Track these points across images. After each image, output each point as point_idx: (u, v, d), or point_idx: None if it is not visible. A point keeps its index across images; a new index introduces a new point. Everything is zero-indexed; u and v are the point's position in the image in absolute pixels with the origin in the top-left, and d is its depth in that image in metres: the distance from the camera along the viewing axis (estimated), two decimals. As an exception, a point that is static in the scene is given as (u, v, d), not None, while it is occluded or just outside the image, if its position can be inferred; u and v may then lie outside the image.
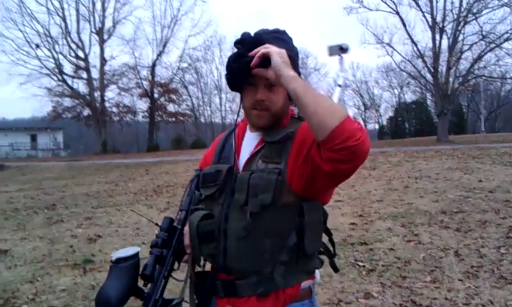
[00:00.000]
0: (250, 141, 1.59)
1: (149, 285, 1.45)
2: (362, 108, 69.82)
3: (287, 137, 1.49)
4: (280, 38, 1.49)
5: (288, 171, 1.45)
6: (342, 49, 2.38)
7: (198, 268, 1.59)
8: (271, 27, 1.57)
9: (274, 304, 1.47)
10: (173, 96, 52.16)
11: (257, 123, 1.55)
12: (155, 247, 1.48)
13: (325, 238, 1.66)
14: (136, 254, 1.44)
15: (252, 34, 1.51)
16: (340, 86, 2.48)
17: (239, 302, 1.49)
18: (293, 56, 1.46)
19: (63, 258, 5.91)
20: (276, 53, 1.37)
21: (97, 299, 1.37)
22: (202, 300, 1.57)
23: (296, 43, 1.56)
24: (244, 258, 1.46)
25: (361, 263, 5.09)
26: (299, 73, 1.46)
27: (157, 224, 1.58)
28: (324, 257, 1.68)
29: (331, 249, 1.69)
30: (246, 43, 1.46)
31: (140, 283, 1.47)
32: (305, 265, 1.51)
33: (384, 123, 71.73)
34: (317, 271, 1.69)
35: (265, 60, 1.38)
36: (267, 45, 1.40)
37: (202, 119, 65.06)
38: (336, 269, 1.73)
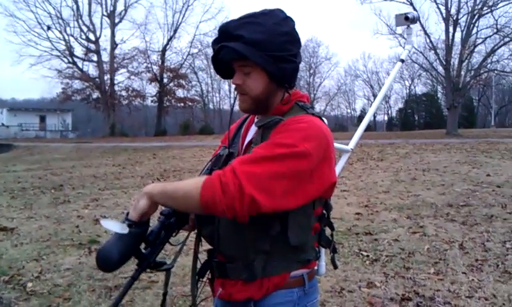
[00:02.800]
0: (254, 128, 1.57)
1: (148, 249, 1.46)
2: (372, 99, 69.55)
3: (273, 123, 1.45)
4: (252, 22, 1.42)
5: None
6: (407, 19, 2.23)
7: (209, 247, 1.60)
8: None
9: (258, 291, 1.45)
10: (182, 82, 52.21)
11: (240, 106, 1.54)
12: (164, 216, 1.48)
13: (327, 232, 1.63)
14: (147, 222, 1.44)
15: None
16: (402, 61, 2.34)
17: (229, 284, 1.50)
18: (268, 39, 1.39)
19: (69, 238, 5.95)
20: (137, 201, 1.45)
21: (100, 253, 1.37)
22: (201, 276, 1.60)
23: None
24: (231, 243, 1.47)
25: (365, 253, 5.09)
26: (282, 57, 1.42)
27: None
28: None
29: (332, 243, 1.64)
30: (217, 36, 1.46)
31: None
32: (295, 255, 1.47)
33: (394, 114, 71.52)
34: (322, 263, 1.67)
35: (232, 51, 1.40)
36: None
37: (211, 106, 65.21)
38: (335, 266, 1.70)
